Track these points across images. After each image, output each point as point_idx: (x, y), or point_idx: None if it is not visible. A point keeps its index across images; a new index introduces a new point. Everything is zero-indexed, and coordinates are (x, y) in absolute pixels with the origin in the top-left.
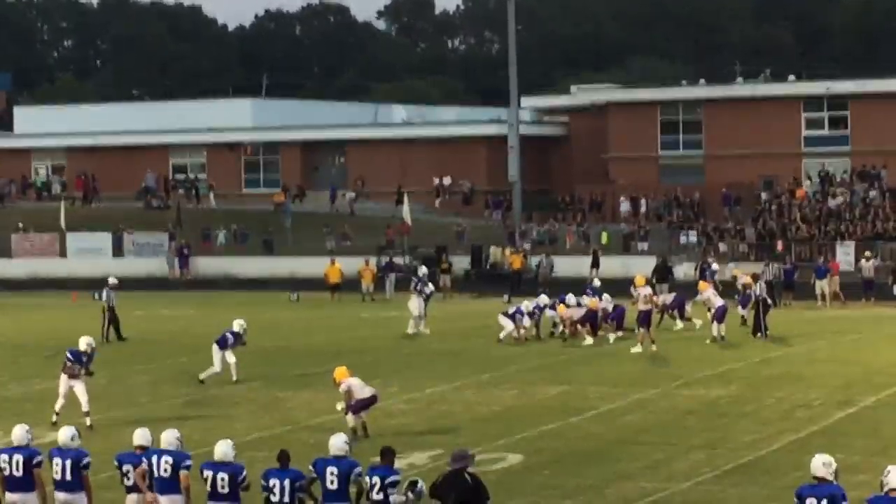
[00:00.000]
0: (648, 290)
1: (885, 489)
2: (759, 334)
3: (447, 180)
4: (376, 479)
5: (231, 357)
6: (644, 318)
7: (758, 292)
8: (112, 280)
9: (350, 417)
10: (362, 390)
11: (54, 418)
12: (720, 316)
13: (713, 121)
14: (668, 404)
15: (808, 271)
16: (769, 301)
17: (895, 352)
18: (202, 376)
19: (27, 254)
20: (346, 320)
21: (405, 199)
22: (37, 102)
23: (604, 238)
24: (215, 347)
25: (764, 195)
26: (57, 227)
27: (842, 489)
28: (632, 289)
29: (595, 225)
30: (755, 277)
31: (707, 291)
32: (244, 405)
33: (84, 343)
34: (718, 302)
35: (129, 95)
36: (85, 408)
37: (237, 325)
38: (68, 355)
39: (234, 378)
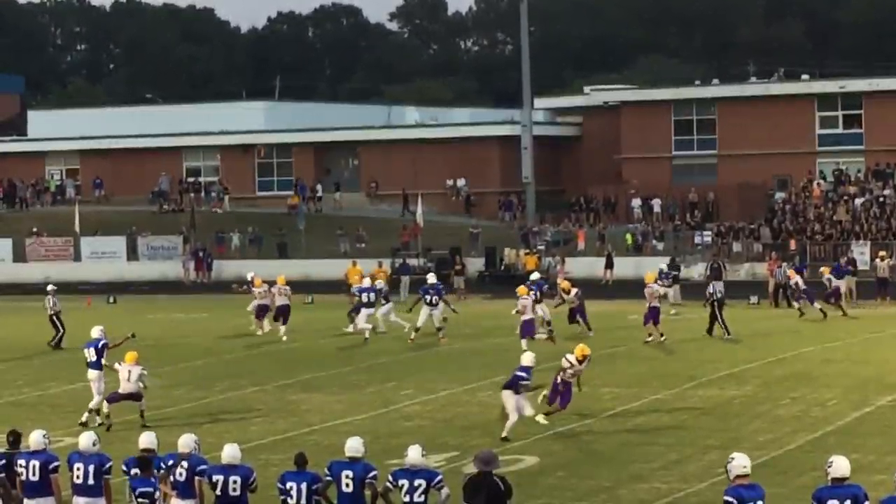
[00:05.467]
0: (656, 286)
1: None
2: (723, 333)
3: (461, 182)
4: (421, 482)
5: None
6: (652, 314)
7: (711, 290)
8: (51, 287)
9: None
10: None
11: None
12: (651, 317)
13: (726, 120)
14: (683, 405)
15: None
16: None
17: None
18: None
19: (41, 258)
20: None
21: (419, 200)
22: (50, 106)
23: (628, 239)
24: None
25: (778, 194)
26: (71, 231)
27: (862, 488)
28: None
29: (609, 225)
30: (711, 277)
31: (652, 286)
32: (258, 408)
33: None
34: (653, 303)
35: (141, 98)
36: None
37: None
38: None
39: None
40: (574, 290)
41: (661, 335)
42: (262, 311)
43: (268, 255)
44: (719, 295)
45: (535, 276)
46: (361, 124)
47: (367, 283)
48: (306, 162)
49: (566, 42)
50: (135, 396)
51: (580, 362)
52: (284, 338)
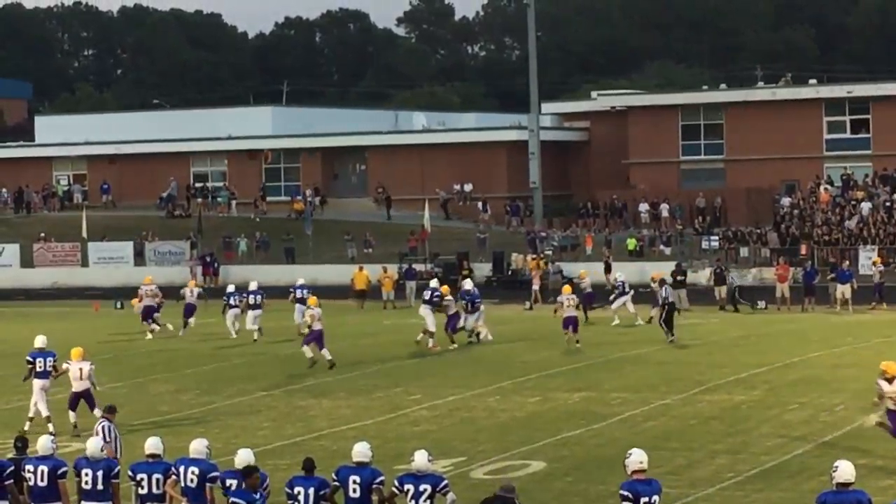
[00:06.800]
0: (574, 297)
1: None
2: (667, 337)
3: (468, 187)
4: (426, 487)
5: None
6: (568, 322)
7: (664, 294)
8: None
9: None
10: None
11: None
12: (568, 323)
13: (734, 125)
14: (691, 410)
15: (824, 275)
16: (676, 305)
17: None
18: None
19: (49, 263)
20: (367, 327)
21: (426, 205)
22: (57, 112)
23: (630, 244)
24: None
25: (786, 199)
26: (78, 236)
27: (866, 494)
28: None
29: (616, 230)
30: (662, 282)
31: (563, 296)
32: (265, 413)
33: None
34: (569, 312)
35: (149, 104)
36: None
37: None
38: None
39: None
40: (447, 298)
41: (577, 341)
42: (148, 313)
43: (275, 261)
44: (671, 299)
45: (467, 284)
46: (369, 129)
47: (253, 286)
48: (314, 167)
49: (574, 47)
50: (88, 400)
51: (890, 381)
52: (149, 336)
